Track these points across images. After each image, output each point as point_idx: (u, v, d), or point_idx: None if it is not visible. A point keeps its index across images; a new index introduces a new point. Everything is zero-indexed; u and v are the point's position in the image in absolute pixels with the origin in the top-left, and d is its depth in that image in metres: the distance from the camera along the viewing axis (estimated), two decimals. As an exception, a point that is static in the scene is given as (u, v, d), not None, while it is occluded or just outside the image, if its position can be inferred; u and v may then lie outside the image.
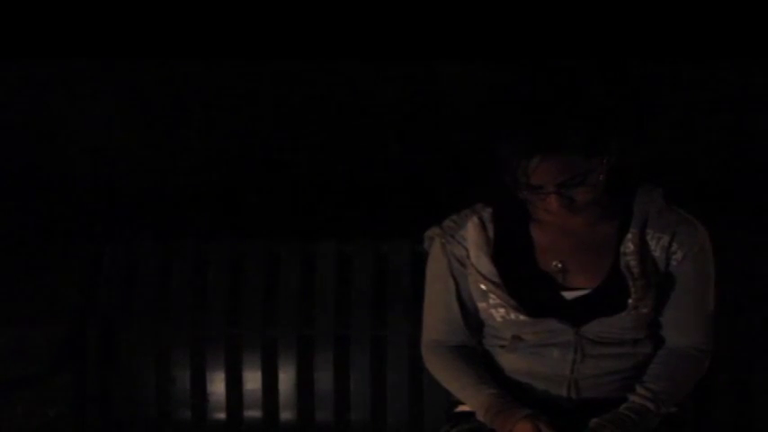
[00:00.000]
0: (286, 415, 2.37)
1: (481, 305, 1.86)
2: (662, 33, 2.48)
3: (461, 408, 1.90)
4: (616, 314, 1.77)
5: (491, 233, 1.86)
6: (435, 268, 1.92)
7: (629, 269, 1.78)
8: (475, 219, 1.88)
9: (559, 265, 1.82)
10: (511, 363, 1.85)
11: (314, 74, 2.65)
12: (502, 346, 1.85)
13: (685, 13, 2.44)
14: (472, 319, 1.89)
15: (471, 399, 1.83)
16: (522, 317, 1.79)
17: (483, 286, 1.83)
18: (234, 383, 2.39)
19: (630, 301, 1.76)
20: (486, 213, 1.89)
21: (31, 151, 2.70)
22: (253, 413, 2.38)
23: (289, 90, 2.68)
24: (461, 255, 1.87)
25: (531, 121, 1.73)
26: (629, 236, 1.81)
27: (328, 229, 2.55)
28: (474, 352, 1.91)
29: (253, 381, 2.38)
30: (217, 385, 2.39)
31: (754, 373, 2.24)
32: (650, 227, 1.82)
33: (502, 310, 1.81)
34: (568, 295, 1.80)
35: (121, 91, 2.70)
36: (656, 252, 1.82)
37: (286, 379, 2.36)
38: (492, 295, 1.82)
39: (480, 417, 1.80)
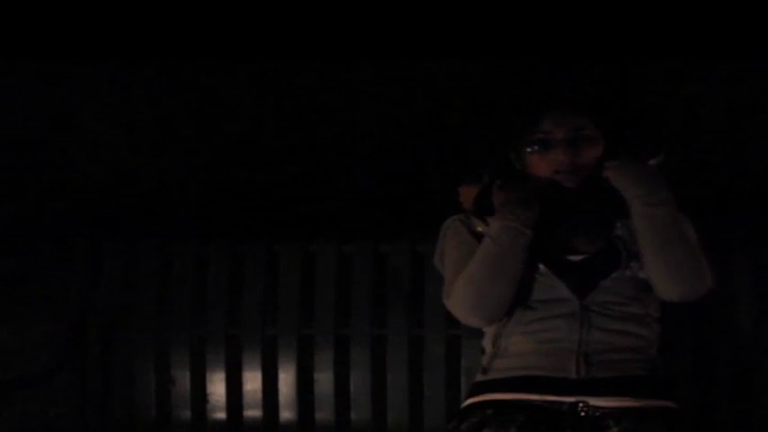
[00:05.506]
0: (286, 415, 2.37)
1: None
2: (661, 34, 2.48)
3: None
4: (615, 272, 1.88)
5: None
6: (455, 234, 2.02)
7: (622, 238, 1.92)
8: None
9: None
10: (519, 343, 1.90)
11: (312, 73, 2.66)
12: (511, 318, 1.91)
13: (683, 12, 2.45)
14: None
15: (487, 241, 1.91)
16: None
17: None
18: (234, 383, 2.39)
19: (623, 256, 1.89)
20: None
21: (31, 151, 2.70)
22: (253, 413, 2.38)
23: (288, 90, 2.68)
24: (477, 229, 1.99)
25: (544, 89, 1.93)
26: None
27: (328, 229, 2.55)
28: None
29: (253, 381, 2.38)
30: (217, 385, 2.39)
31: (754, 374, 2.25)
32: None
33: None
34: (574, 258, 1.91)
35: (121, 91, 2.70)
36: None
37: (286, 379, 2.37)
38: None
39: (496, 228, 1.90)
